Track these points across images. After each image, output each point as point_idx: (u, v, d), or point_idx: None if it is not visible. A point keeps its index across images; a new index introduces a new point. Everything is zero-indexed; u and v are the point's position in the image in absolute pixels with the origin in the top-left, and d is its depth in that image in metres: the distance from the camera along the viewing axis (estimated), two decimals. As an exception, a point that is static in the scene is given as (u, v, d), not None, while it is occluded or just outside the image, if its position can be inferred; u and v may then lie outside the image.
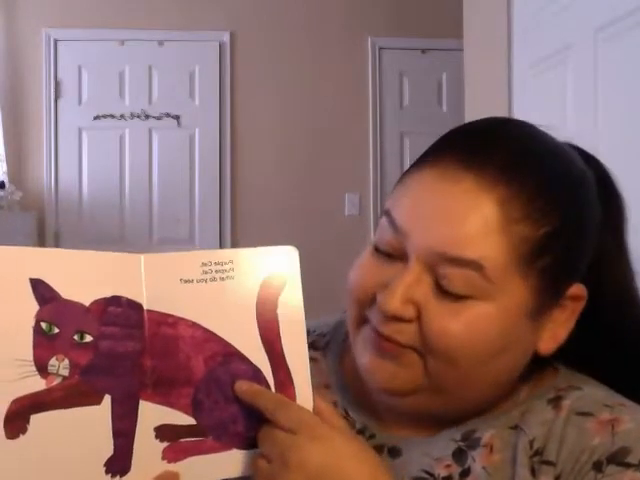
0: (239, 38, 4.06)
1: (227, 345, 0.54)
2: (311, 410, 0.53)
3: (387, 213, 0.59)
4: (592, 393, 0.59)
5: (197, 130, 4.05)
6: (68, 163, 3.98)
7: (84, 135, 4.00)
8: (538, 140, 0.60)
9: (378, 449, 0.61)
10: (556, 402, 0.58)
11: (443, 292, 0.55)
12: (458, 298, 0.55)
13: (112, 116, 3.99)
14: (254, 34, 4.05)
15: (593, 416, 0.56)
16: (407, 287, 0.55)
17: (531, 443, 0.57)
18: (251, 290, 0.54)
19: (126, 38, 4.00)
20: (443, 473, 0.58)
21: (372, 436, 0.63)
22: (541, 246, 0.55)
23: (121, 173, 4.02)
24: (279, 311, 0.54)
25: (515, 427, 0.58)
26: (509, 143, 0.58)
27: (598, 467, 0.54)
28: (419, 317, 0.56)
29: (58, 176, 3.98)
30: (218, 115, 4.04)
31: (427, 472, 0.59)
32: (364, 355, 0.60)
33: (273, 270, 0.55)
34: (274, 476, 0.50)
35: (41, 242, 3.85)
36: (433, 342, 0.55)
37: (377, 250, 0.59)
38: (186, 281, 0.53)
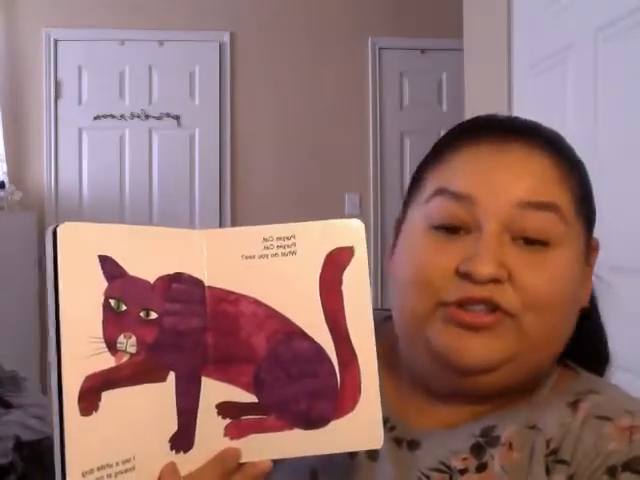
0: (239, 38, 4.06)
1: (289, 323, 0.52)
2: (378, 388, 0.52)
3: (442, 190, 0.60)
4: (613, 398, 0.60)
5: (197, 130, 4.04)
6: (68, 163, 3.98)
7: (84, 135, 4.00)
8: None
9: (397, 442, 0.62)
10: (574, 405, 0.59)
11: (522, 248, 0.58)
12: (537, 250, 0.58)
13: (112, 116, 3.99)
14: (254, 34, 4.05)
15: (612, 421, 0.56)
16: (495, 250, 0.57)
17: (548, 442, 0.57)
18: (314, 266, 0.52)
19: (126, 38, 4.00)
20: (459, 466, 0.59)
21: (393, 428, 0.63)
22: (583, 194, 0.62)
23: (121, 173, 4.02)
24: (344, 287, 0.52)
25: (534, 427, 0.59)
26: (543, 127, 0.65)
27: (612, 472, 0.54)
28: (510, 278, 0.57)
29: (58, 176, 3.97)
30: (218, 115, 4.04)
31: (444, 464, 0.59)
32: (449, 337, 0.58)
33: (337, 244, 0.52)
34: None
35: (41, 242, 3.85)
36: (529, 297, 0.57)
37: (436, 229, 0.59)
38: (247, 257, 0.52)
